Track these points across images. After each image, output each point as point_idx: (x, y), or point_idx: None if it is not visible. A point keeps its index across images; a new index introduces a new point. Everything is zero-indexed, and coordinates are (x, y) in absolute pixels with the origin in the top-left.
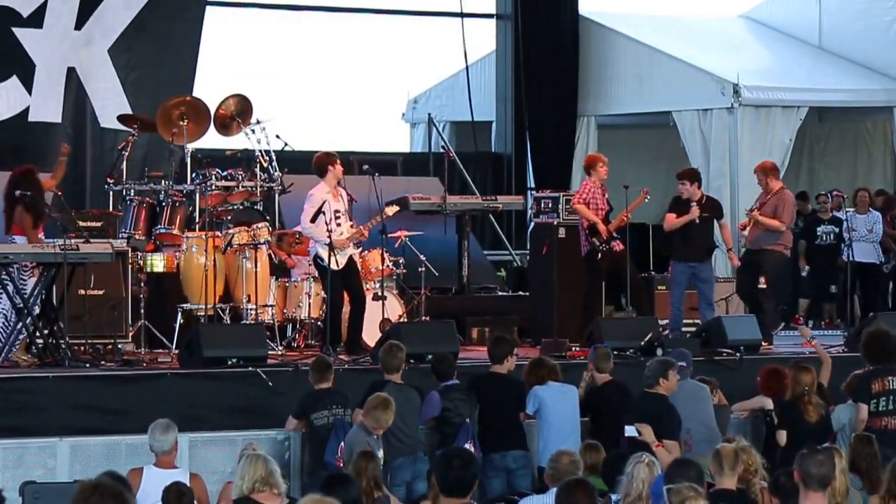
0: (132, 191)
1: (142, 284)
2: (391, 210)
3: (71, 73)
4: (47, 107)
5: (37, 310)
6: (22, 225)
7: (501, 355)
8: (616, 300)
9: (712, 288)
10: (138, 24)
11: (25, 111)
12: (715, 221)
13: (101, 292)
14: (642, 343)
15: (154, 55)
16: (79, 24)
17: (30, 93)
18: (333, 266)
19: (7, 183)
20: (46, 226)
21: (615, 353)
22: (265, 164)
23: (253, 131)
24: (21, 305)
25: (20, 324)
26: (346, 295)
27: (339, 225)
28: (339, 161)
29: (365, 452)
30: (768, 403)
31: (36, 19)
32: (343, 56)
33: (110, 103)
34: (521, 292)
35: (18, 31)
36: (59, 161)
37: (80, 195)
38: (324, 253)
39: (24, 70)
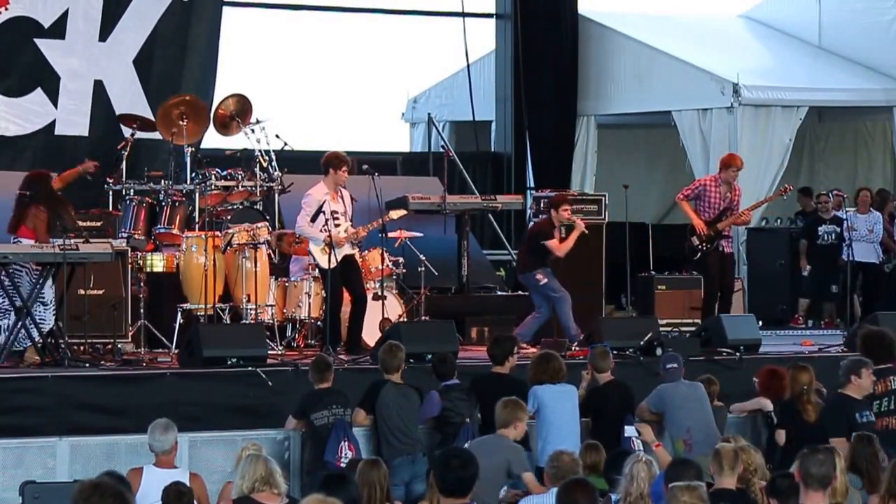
0: (132, 190)
1: (141, 284)
2: (396, 214)
3: (98, 85)
4: (74, 120)
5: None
6: (35, 226)
7: (502, 355)
8: (616, 300)
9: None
10: (159, 31)
11: (52, 125)
12: None
13: (100, 292)
14: (642, 343)
15: (175, 61)
16: (103, 36)
17: (55, 106)
18: (331, 263)
19: (21, 185)
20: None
21: (615, 352)
22: (265, 164)
23: (252, 131)
24: (20, 305)
25: (20, 323)
26: (346, 294)
27: (337, 226)
28: (346, 166)
29: (370, 460)
30: (767, 405)
31: (58, 30)
32: (343, 56)
33: (136, 113)
34: (520, 292)
35: (41, 43)
36: (76, 170)
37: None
38: (317, 254)
39: (49, 83)
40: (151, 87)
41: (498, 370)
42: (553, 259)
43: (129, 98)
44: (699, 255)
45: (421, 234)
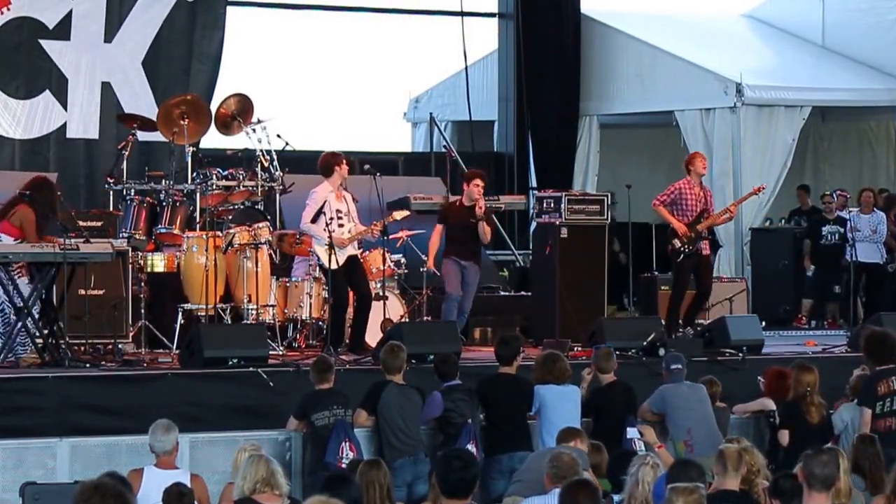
0: (132, 190)
1: (142, 284)
2: (399, 214)
3: (106, 87)
4: (84, 123)
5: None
6: (22, 226)
7: (510, 356)
8: (618, 300)
9: (471, 295)
10: (164, 32)
11: (63, 127)
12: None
13: (101, 292)
14: (645, 343)
15: (181, 62)
16: (108, 37)
17: (65, 108)
18: (333, 264)
19: (24, 185)
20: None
21: (617, 353)
22: (266, 164)
23: (254, 130)
24: (21, 305)
25: (19, 324)
26: (350, 295)
27: (341, 226)
28: (345, 161)
29: (371, 461)
30: (770, 405)
31: (62, 30)
32: (344, 55)
33: (145, 115)
34: (523, 292)
35: (46, 44)
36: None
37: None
38: (322, 254)
39: (57, 84)
40: (159, 88)
41: (505, 370)
42: (465, 248)
43: (139, 100)
44: (682, 257)
45: (423, 231)
